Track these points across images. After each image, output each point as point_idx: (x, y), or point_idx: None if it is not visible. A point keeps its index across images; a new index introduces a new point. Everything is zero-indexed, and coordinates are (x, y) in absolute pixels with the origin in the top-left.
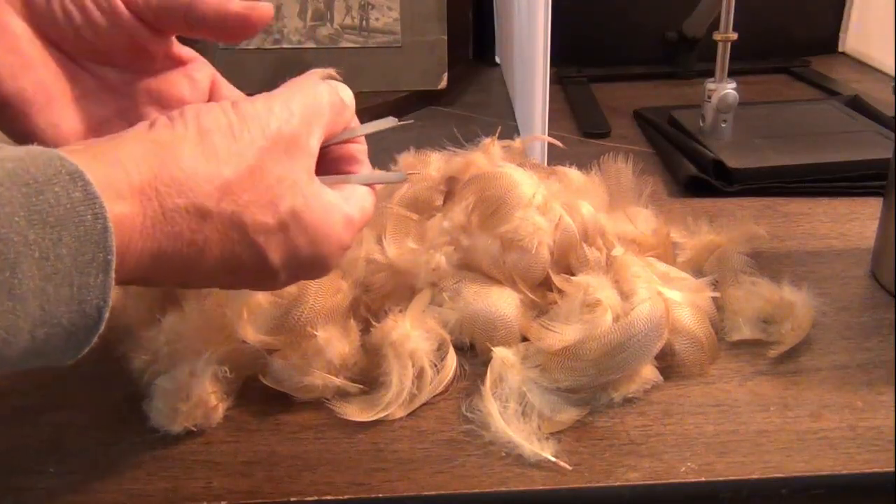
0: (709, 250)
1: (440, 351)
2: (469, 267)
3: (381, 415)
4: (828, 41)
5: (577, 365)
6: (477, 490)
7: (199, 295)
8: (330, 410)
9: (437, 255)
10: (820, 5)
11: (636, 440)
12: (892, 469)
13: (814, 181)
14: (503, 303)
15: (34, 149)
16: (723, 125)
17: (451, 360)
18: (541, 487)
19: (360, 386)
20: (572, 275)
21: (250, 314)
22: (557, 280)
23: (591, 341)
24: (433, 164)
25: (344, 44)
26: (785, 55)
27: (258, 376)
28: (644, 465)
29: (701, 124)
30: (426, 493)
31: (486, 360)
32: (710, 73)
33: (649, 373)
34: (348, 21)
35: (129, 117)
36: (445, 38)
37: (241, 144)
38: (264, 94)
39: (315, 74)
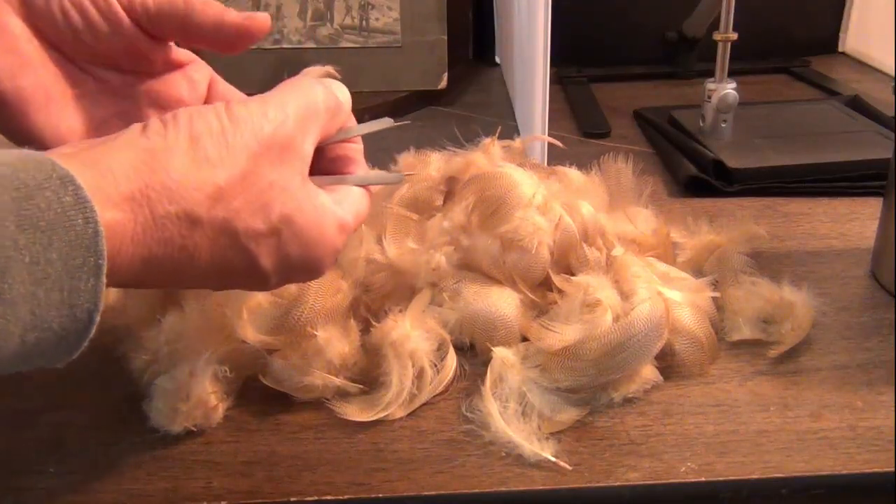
0: (709, 250)
1: (440, 351)
2: (469, 267)
3: (381, 415)
4: (828, 41)
5: (577, 365)
6: (477, 490)
7: (199, 295)
8: (330, 410)
9: (437, 255)
10: (820, 5)
11: (636, 440)
12: (892, 469)
13: (814, 181)
14: (503, 303)
15: (25, 153)
16: (723, 125)
17: (451, 360)
18: (541, 487)
19: (360, 386)
20: (572, 275)
21: (250, 314)
22: (557, 280)
23: (591, 341)
24: (433, 164)
25: (344, 44)
26: (785, 55)
27: (258, 376)
28: (644, 465)
29: (701, 124)
30: (426, 493)
31: (486, 360)
32: (710, 73)
33: (649, 373)
34: (348, 21)
35: (127, 118)
36: (445, 38)
37: (233, 150)
38: (260, 96)
39: (312, 72)
